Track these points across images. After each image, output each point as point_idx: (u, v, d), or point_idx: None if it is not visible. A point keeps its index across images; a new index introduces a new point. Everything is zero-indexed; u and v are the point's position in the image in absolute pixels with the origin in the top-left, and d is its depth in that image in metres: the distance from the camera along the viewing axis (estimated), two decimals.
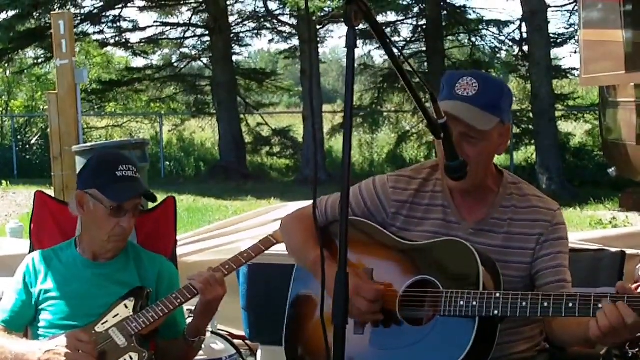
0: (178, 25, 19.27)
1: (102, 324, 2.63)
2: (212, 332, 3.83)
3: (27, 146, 18.91)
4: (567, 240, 2.44)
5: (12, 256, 4.04)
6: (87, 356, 2.48)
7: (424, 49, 18.15)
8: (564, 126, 17.44)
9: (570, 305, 2.09)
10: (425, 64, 17.94)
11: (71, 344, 2.48)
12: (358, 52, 17.94)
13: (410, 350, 2.24)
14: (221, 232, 4.64)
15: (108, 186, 2.67)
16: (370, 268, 2.40)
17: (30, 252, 2.96)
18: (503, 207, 2.43)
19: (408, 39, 18.48)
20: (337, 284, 1.76)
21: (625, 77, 9.26)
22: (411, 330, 2.26)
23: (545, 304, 2.12)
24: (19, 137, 19.07)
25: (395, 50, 1.94)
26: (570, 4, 17.70)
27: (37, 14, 16.68)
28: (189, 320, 2.95)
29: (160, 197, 3.11)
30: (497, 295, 2.16)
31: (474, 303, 2.16)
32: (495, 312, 2.15)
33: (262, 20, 19.46)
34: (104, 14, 18.21)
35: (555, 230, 2.40)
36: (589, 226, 9.62)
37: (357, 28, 1.77)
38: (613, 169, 10.69)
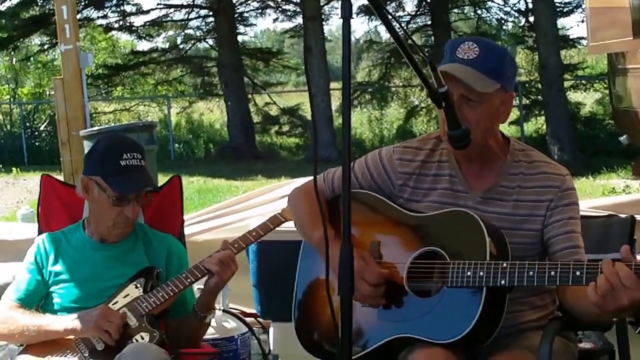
0: (182, 6, 19.18)
1: (113, 304, 2.63)
2: (224, 311, 3.84)
3: (36, 133, 18.94)
4: (578, 205, 2.41)
5: (23, 240, 4.07)
6: (114, 325, 2.54)
7: (430, 22, 18.03)
8: (574, 96, 17.31)
9: (578, 273, 2.06)
10: (432, 37, 17.84)
11: (101, 319, 2.55)
12: (364, 28, 17.92)
13: (418, 321, 2.23)
14: (229, 210, 4.63)
15: (112, 175, 2.66)
16: (378, 241, 2.38)
17: (38, 235, 2.95)
18: (511, 174, 2.40)
19: (413, 13, 18.37)
20: (341, 256, 1.74)
21: (634, 43, 9.17)
22: (419, 302, 2.25)
23: (552, 273, 2.10)
24: (27, 124, 19.11)
25: (394, 23, 1.92)
26: None
27: (41, 1, 16.67)
28: None
29: None
30: (504, 265, 2.14)
31: (481, 273, 2.15)
32: (502, 282, 2.13)
33: None
34: None
35: (565, 195, 2.37)
36: (602, 195, 9.56)
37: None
38: (625, 136, 10.60)
